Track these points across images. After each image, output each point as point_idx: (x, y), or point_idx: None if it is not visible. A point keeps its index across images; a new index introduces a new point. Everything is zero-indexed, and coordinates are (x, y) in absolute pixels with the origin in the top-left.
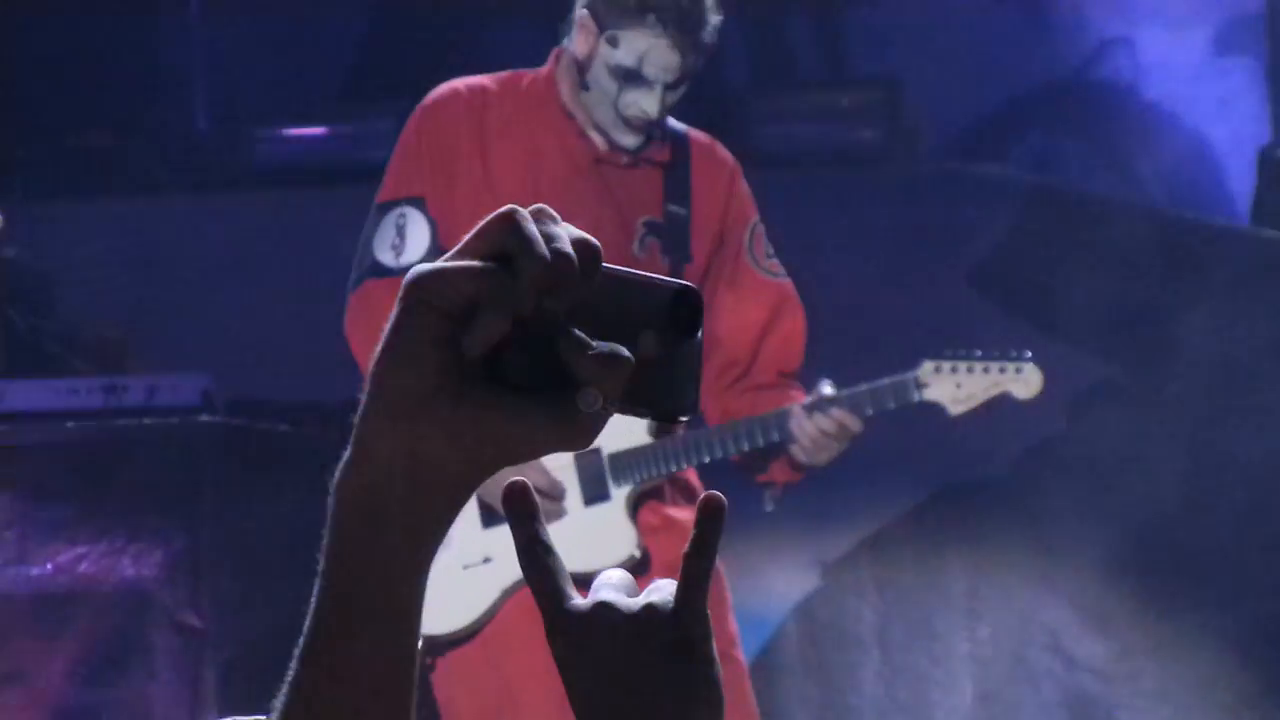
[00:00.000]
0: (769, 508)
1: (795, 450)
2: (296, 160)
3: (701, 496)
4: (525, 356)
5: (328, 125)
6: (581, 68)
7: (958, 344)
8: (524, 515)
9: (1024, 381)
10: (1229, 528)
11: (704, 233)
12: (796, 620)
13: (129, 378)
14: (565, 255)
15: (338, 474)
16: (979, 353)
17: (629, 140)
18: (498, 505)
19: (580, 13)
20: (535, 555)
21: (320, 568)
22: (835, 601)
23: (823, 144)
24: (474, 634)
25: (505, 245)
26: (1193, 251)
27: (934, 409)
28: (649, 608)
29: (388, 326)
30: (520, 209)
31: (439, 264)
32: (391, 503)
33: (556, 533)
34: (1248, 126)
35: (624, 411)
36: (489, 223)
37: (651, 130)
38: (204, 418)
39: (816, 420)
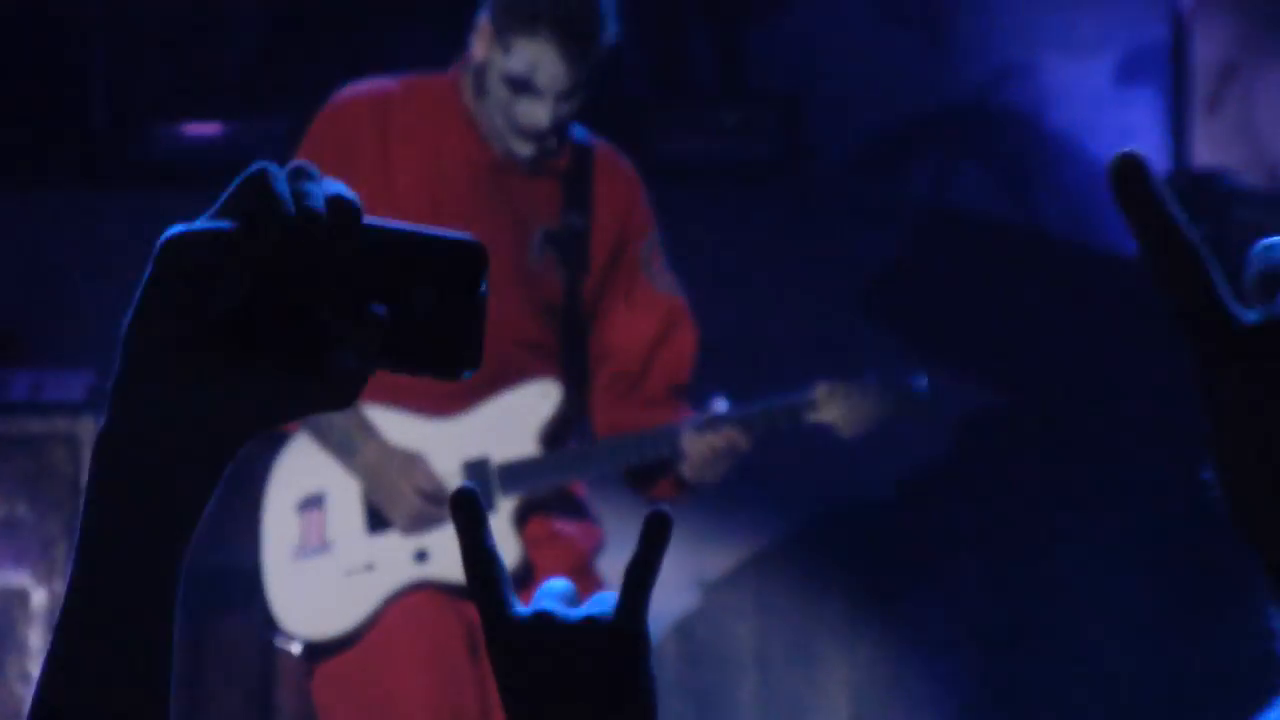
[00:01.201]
0: None
1: (683, 467)
2: (194, 158)
3: (648, 512)
4: (278, 317)
5: (226, 123)
6: (479, 74)
7: (848, 364)
8: (471, 522)
9: (917, 404)
10: (1112, 557)
11: (602, 244)
12: (674, 639)
13: (13, 372)
14: (311, 213)
15: (95, 442)
16: (873, 374)
17: (523, 149)
18: (385, 510)
19: (481, 18)
20: (480, 563)
21: (76, 539)
22: (714, 622)
23: (719, 158)
24: (354, 641)
25: (252, 204)
26: (1089, 281)
27: (824, 429)
28: (589, 619)
29: (137, 290)
30: (271, 165)
31: (183, 226)
32: (143, 468)
33: (439, 540)
34: (1148, 155)
35: (396, 369)
36: (239, 182)
37: (547, 140)
38: (90, 415)
39: (707, 438)
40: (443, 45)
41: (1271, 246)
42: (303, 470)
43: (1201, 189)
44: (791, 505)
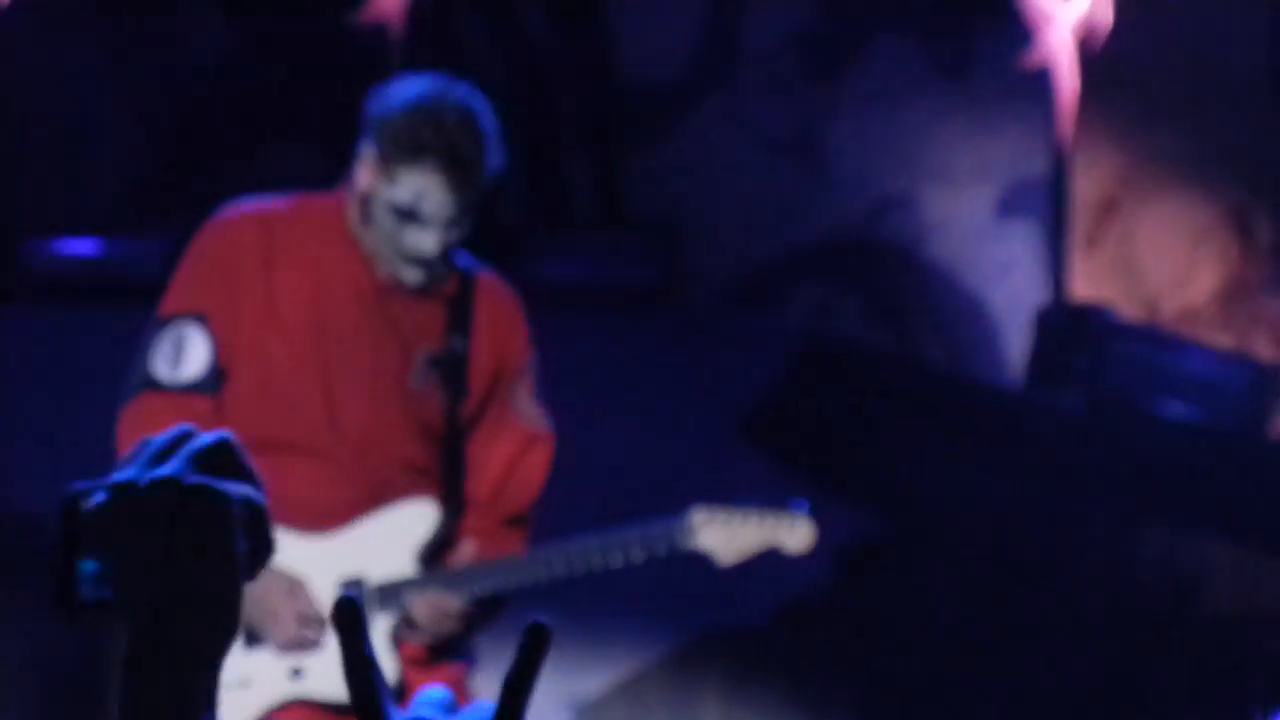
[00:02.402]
0: None
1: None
2: (66, 274)
3: (528, 623)
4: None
5: (101, 239)
6: (364, 201)
7: (726, 492)
8: (352, 630)
9: (797, 535)
10: (993, 689)
11: (481, 370)
12: None
13: None
14: None
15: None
16: (751, 501)
17: (411, 276)
18: (262, 631)
19: (365, 147)
20: (360, 670)
21: None
22: None
23: (597, 284)
24: None
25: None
26: (965, 412)
27: (698, 556)
28: None
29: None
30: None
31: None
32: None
33: (319, 661)
34: (1027, 289)
35: None
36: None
37: (434, 266)
38: None
39: (423, 598)
40: (321, 164)
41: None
42: None
43: (1080, 322)
44: (667, 628)
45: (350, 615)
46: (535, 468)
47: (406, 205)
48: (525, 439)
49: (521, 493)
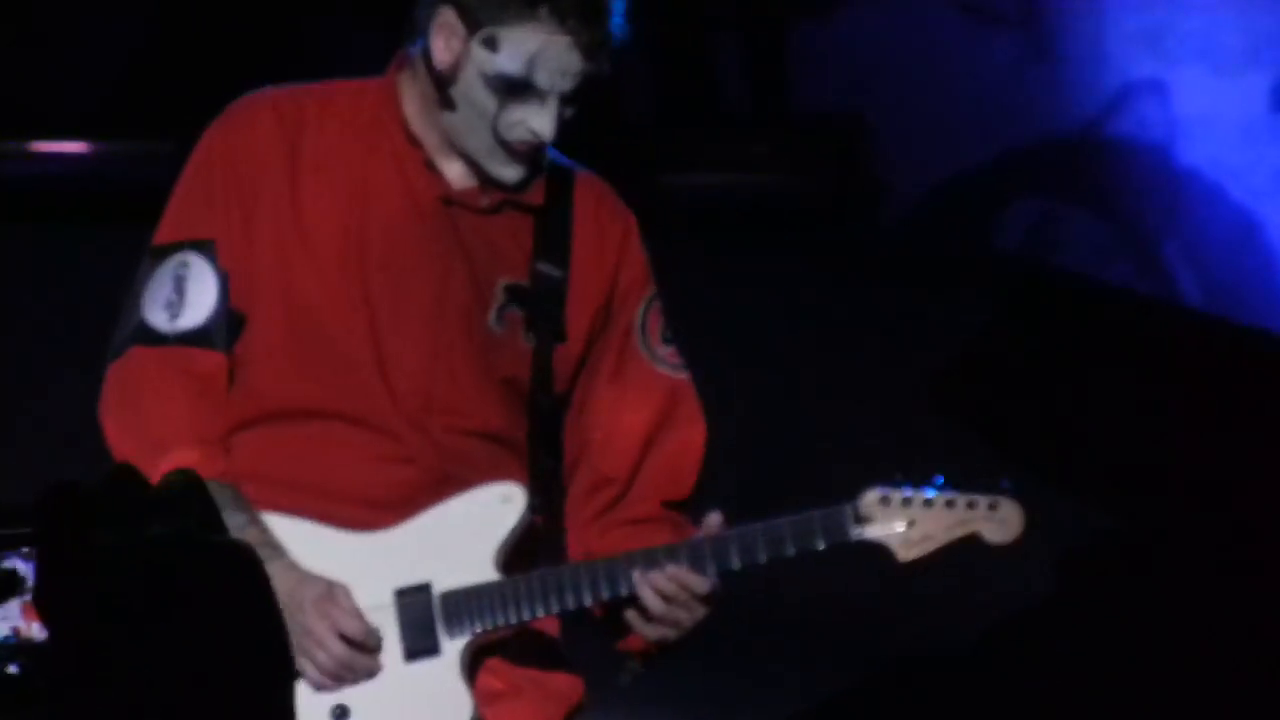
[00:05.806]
0: (624, 681)
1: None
2: (48, 182)
3: None
4: None
5: (90, 141)
6: (443, 80)
7: (912, 467)
8: None
9: (1000, 521)
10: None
11: (585, 304)
12: None
13: None
14: None
15: None
16: (941, 479)
17: (510, 172)
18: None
19: (440, 10)
20: None
21: None
22: None
23: (749, 198)
24: None
25: None
26: (1236, 366)
27: (878, 551)
28: None
29: None
30: None
31: None
32: None
33: (371, 694)
34: None
35: None
36: None
37: (540, 158)
38: None
39: (652, 578)
40: (367, 43)
41: None
42: None
43: None
44: (844, 651)
45: None
46: (692, 433)
47: (515, 75)
48: (669, 392)
49: (680, 469)
